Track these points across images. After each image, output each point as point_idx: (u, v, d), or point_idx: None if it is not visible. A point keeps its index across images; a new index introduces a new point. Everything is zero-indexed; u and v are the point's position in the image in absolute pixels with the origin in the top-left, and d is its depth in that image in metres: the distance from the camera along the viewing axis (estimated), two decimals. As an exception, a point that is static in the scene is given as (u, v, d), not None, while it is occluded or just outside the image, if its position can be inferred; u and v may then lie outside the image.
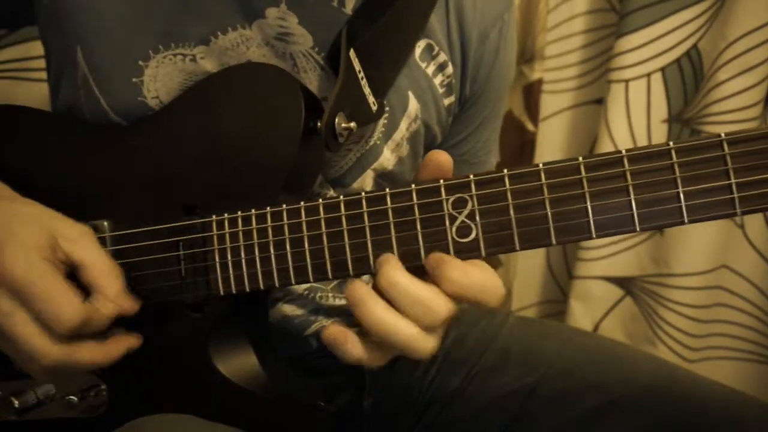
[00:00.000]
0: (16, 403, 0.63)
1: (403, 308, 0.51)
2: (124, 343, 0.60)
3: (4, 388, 0.66)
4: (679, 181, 0.48)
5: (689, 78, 1.28)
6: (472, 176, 0.53)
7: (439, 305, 0.51)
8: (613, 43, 1.28)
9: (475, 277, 0.51)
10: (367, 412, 0.84)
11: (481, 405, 0.81)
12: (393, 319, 0.52)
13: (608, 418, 0.74)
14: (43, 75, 0.80)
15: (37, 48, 0.77)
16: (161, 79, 0.66)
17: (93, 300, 0.57)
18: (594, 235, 0.50)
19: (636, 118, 1.30)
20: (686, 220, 0.48)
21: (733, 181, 0.47)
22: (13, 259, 0.55)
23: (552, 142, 1.42)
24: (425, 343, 0.52)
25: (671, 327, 1.36)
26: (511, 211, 0.51)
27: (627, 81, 1.27)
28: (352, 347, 0.54)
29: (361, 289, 0.52)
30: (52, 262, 0.56)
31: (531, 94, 1.36)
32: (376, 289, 0.53)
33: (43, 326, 0.55)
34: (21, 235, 0.56)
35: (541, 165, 0.51)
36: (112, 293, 0.58)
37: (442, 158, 0.54)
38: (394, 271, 0.52)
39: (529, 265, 1.50)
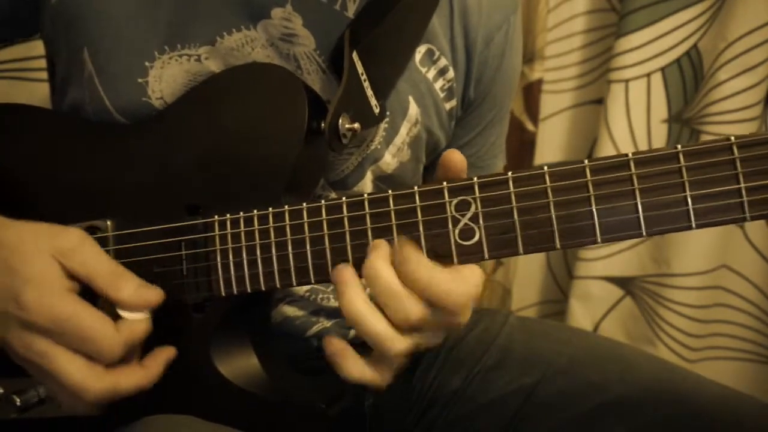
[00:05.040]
0: (18, 401, 0.63)
1: (379, 299, 0.52)
2: (162, 360, 0.60)
3: (5, 386, 0.65)
4: (687, 185, 0.48)
5: (689, 78, 1.28)
6: (476, 179, 0.52)
7: (411, 305, 0.52)
8: (613, 43, 1.28)
9: (441, 281, 0.52)
10: (368, 413, 0.83)
11: (481, 405, 0.81)
12: (368, 309, 0.53)
13: (608, 418, 0.74)
14: (43, 75, 0.79)
15: (37, 48, 0.77)
16: (166, 79, 0.66)
17: (122, 318, 0.56)
18: (599, 240, 0.49)
19: (636, 118, 1.30)
20: (694, 225, 0.48)
21: (742, 185, 0.47)
22: (36, 302, 0.53)
23: (552, 142, 1.42)
24: (393, 343, 0.53)
25: (671, 327, 1.36)
26: (515, 214, 0.51)
27: (627, 81, 1.28)
28: (352, 364, 0.55)
29: (346, 273, 0.54)
30: (72, 290, 0.55)
31: (531, 94, 1.36)
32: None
33: (83, 360, 0.54)
34: (31, 273, 0.54)
35: (546, 168, 0.51)
36: (127, 296, 0.57)
37: (455, 158, 0.55)
38: (378, 260, 0.53)
39: (529, 265, 1.50)
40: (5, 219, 0.58)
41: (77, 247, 0.57)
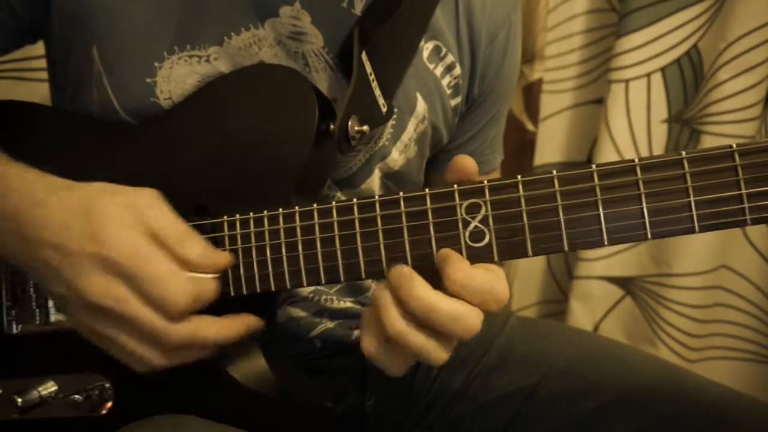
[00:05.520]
0: (20, 401, 0.63)
1: (438, 327, 0.51)
2: (245, 320, 0.58)
3: (6, 386, 0.66)
4: (690, 190, 0.49)
5: (689, 78, 1.28)
6: (486, 182, 0.53)
7: (476, 318, 0.51)
8: (613, 43, 1.28)
9: (479, 280, 0.51)
10: (370, 413, 0.84)
11: (482, 405, 0.81)
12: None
13: (608, 418, 0.75)
14: (43, 75, 0.79)
15: (37, 48, 0.77)
16: (174, 80, 0.66)
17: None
18: (606, 242, 0.50)
19: (636, 118, 1.30)
20: (697, 229, 0.49)
21: (743, 191, 0.48)
22: (117, 236, 0.52)
23: (552, 142, 1.42)
24: (438, 354, 0.53)
25: (671, 327, 1.37)
26: (525, 217, 0.52)
27: (627, 81, 1.28)
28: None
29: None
30: (150, 237, 0.54)
31: (531, 94, 1.37)
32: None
33: (156, 306, 0.53)
34: (110, 214, 0.54)
35: (554, 172, 0.52)
36: (195, 255, 0.55)
37: (467, 162, 0.54)
38: (429, 293, 0.51)
39: (529, 265, 1.50)
40: (81, 183, 0.58)
41: (151, 202, 0.56)
